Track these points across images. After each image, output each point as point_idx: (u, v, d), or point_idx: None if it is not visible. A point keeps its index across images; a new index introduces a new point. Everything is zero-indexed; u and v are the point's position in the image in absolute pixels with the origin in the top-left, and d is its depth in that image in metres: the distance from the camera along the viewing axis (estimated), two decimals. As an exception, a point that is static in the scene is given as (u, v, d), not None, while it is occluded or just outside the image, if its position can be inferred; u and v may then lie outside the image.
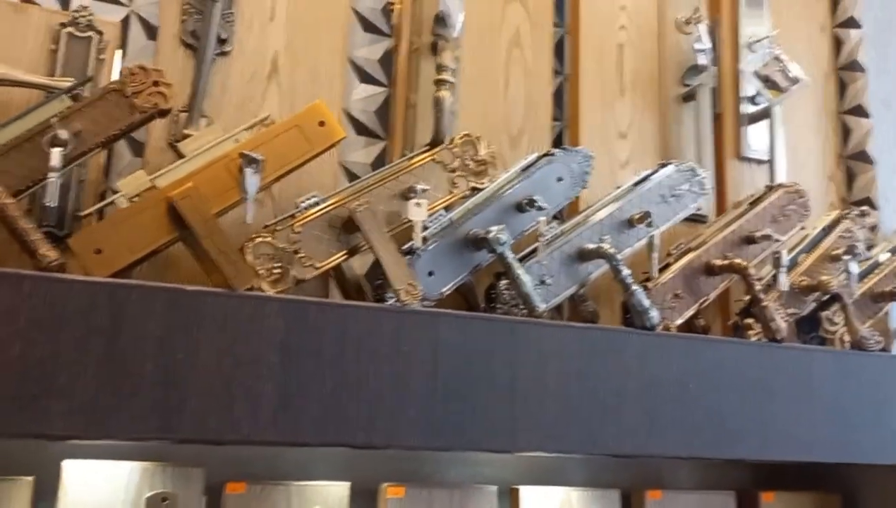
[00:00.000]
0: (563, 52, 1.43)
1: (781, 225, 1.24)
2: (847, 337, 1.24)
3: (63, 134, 0.84)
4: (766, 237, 1.18)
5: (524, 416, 0.95)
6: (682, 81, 1.39)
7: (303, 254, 0.96)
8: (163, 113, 0.92)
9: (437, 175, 1.07)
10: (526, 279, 1.00)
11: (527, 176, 1.09)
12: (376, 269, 1.27)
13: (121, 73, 1.01)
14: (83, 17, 1.03)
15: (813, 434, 1.11)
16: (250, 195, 0.90)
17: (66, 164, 0.85)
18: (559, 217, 1.19)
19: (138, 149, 1.15)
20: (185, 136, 1.02)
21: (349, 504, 1.08)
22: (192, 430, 0.80)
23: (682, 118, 1.37)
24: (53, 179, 0.82)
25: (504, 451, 1.01)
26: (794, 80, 1.36)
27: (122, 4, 1.20)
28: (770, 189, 1.28)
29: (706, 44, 1.35)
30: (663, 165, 1.20)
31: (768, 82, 1.39)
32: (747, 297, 1.18)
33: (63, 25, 1.02)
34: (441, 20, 1.18)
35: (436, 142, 1.10)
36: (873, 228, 1.45)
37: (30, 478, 0.93)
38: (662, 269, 1.14)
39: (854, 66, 1.56)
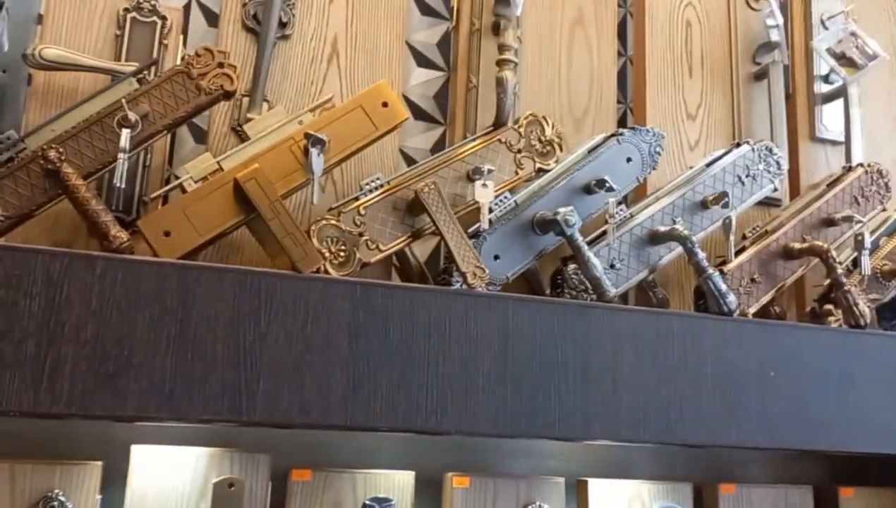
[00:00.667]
0: (625, 31, 1.39)
1: (861, 207, 1.18)
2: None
3: (132, 115, 0.83)
4: (848, 218, 1.12)
5: (597, 404, 0.92)
6: (752, 59, 1.33)
7: (367, 237, 0.95)
8: (228, 95, 0.91)
9: (502, 156, 1.04)
10: (596, 262, 0.97)
11: (594, 157, 1.06)
12: (437, 254, 1.26)
13: (185, 55, 1.01)
14: (147, 2, 1.03)
15: (899, 426, 1.06)
16: (316, 176, 0.89)
17: (135, 147, 0.85)
18: (624, 200, 1.15)
19: (200, 135, 1.15)
20: (248, 120, 1.01)
21: (414, 493, 1.05)
22: (263, 413, 0.78)
23: (754, 97, 1.32)
24: (122, 160, 0.81)
25: (577, 440, 0.98)
26: (872, 56, 1.29)
27: (183, -9, 1.20)
28: (849, 169, 1.22)
29: (778, 19, 1.29)
30: (737, 145, 1.15)
31: (843, 59, 1.33)
32: (827, 282, 1.12)
33: (127, 11, 1.02)
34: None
35: (498, 124, 1.07)
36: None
37: (99, 463, 0.93)
38: (737, 253, 1.09)
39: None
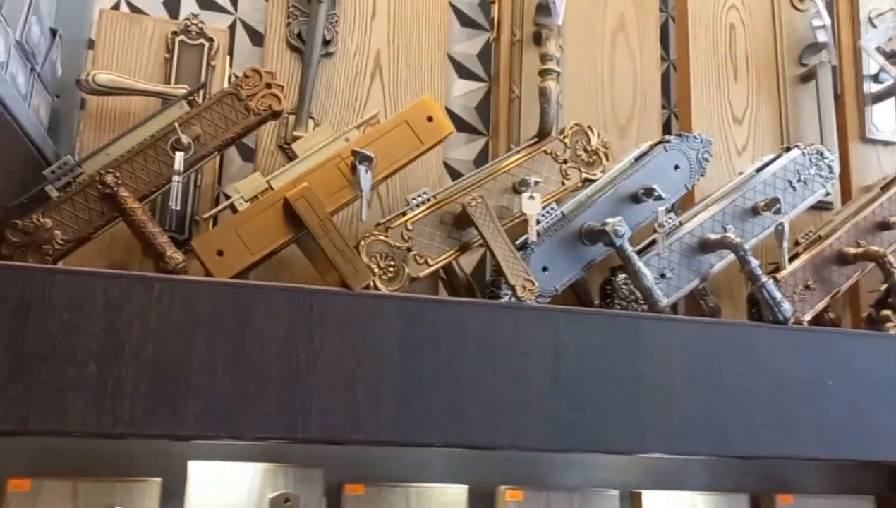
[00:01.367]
0: (667, 36, 1.37)
1: (918, 208, 1.15)
2: None
3: (184, 138, 0.85)
4: (905, 221, 1.09)
5: (650, 416, 0.91)
6: (799, 61, 1.31)
7: (416, 252, 0.95)
8: (276, 114, 0.92)
9: (547, 167, 1.03)
10: (647, 272, 0.96)
11: (641, 165, 1.05)
12: (483, 267, 1.26)
13: (231, 77, 1.02)
14: (194, 24, 1.05)
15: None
16: (365, 193, 0.89)
17: (188, 168, 0.86)
18: (671, 208, 1.14)
19: (247, 153, 1.16)
20: (295, 138, 1.02)
21: (467, 507, 1.05)
22: (318, 430, 0.79)
23: (801, 100, 1.29)
24: (177, 183, 0.83)
25: (630, 453, 0.97)
26: (924, 54, 1.26)
27: (227, 12, 1.21)
28: (903, 170, 1.19)
29: (825, 19, 1.26)
30: (787, 149, 1.12)
31: (893, 58, 1.30)
32: (883, 287, 1.09)
33: (175, 34, 1.04)
34: (544, 8, 1.15)
35: (543, 134, 1.06)
36: None
37: (158, 479, 0.95)
38: (790, 260, 1.07)
39: None
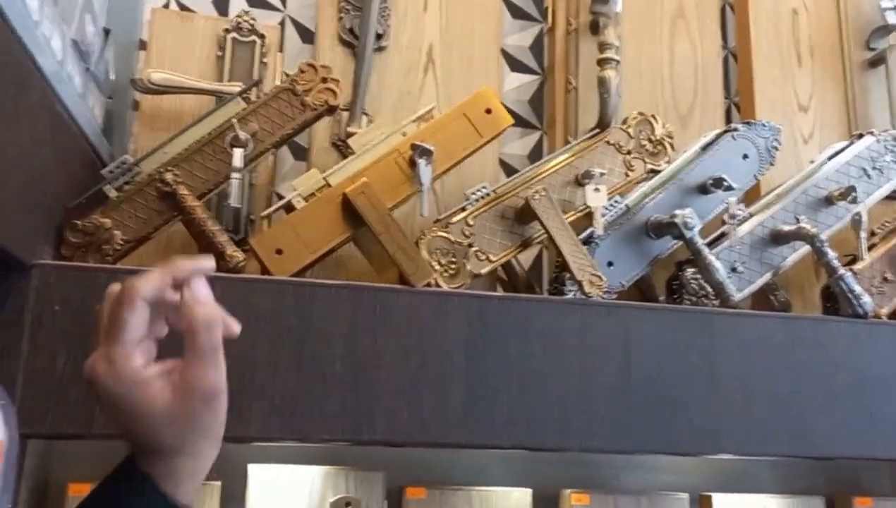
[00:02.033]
0: (725, 23, 1.32)
1: None
2: None
3: (243, 135, 0.83)
4: None
5: (727, 416, 0.87)
6: (867, 45, 1.25)
7: (477, 248, 0.92)
8: (332, 109, 0.90)
9: (610, 158, 1.00)
10: (718, 266, 0.91)
11: (708, 154, 1.01)
12: (539, 263, 1.22)
13: (283, 74, 1.01)
14: (246, 21, 1.03)
15: None
16: (425, 186, 0.87)
17: (246, 164, 0.84)
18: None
19: (299, 151, 1.14)
20: (350, 134, 1.00)
21: (531, 511, 1.02)
22: (383, 433, 0.76)
23: (869, 85, 1.24)
24: (236, 180, 0.81)
25: (706, 454, 0.93)
26: None
27: (276, 9, 1.20)
28: (982, 156, 1.13)
29: (894, 0, 1.21)
30: (860, 136, 1.07)
31: (967, 39, 1.24)
32: (967, 279, 1.03)
33: (227, 31, 1.02)
34: (601, -4, 1.11)
35: (603, 125, 1.03)
36: None
37: (218, 483, 0.93)
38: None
39: None
